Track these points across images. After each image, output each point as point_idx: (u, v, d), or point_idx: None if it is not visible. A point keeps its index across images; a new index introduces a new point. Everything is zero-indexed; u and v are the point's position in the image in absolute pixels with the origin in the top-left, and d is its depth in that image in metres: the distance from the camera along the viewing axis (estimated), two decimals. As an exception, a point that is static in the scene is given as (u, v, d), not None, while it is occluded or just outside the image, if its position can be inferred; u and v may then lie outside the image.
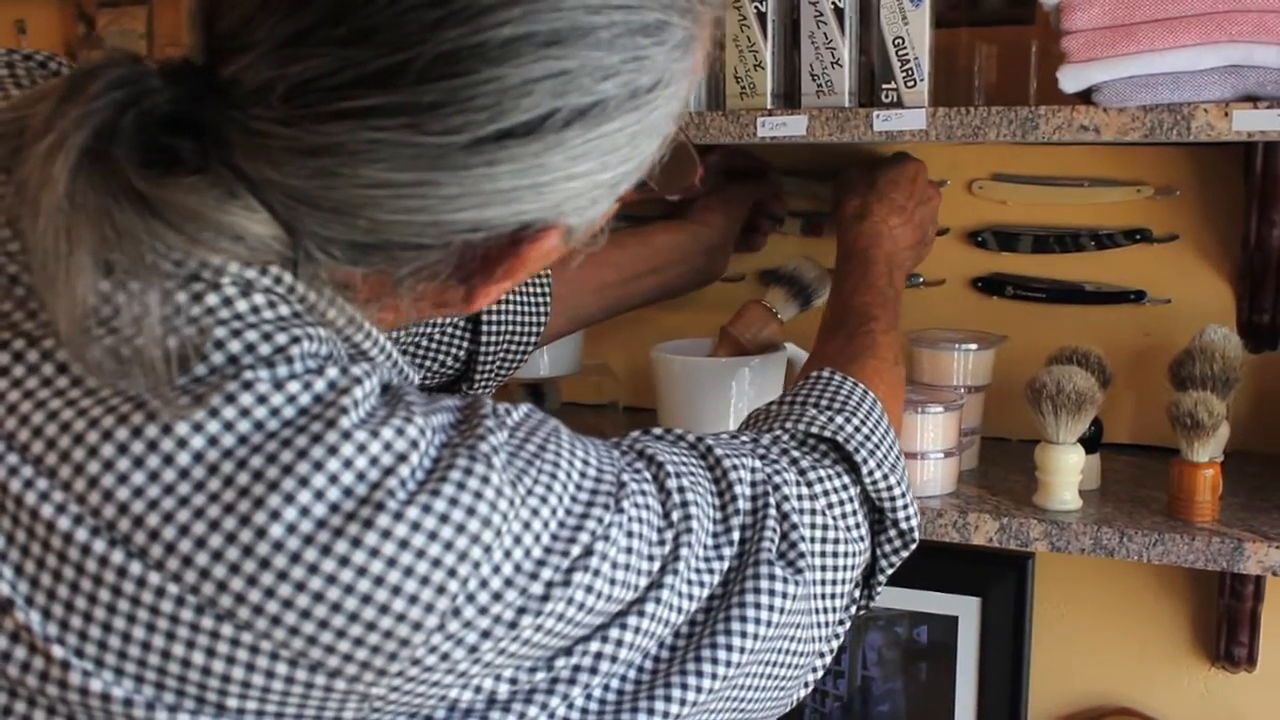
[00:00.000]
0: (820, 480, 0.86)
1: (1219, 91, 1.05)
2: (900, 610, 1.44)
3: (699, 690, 0.74)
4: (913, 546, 0.93)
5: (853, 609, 0.90)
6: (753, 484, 0.80)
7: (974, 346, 1.29)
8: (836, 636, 0.87)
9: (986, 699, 1.41)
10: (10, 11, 1.81)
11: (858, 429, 0.90)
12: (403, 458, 0.62)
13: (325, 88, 0.59)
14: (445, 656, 0.63)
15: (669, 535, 0.73)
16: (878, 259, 1.16)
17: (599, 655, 0.70)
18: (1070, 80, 1.07)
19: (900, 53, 1.16)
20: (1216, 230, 1.32)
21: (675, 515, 0.74)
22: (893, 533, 0.92)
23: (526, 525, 0.65)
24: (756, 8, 1.19)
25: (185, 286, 0.62)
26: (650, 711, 0.72)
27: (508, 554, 0.64)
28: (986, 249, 1.40)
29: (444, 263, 0.66)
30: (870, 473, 0.88)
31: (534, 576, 0.65)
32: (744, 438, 0.88)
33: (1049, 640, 1.42)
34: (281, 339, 0.64)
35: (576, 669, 0.70)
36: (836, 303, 1.12)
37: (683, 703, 0.73)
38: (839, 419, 0.90)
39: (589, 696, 0.71)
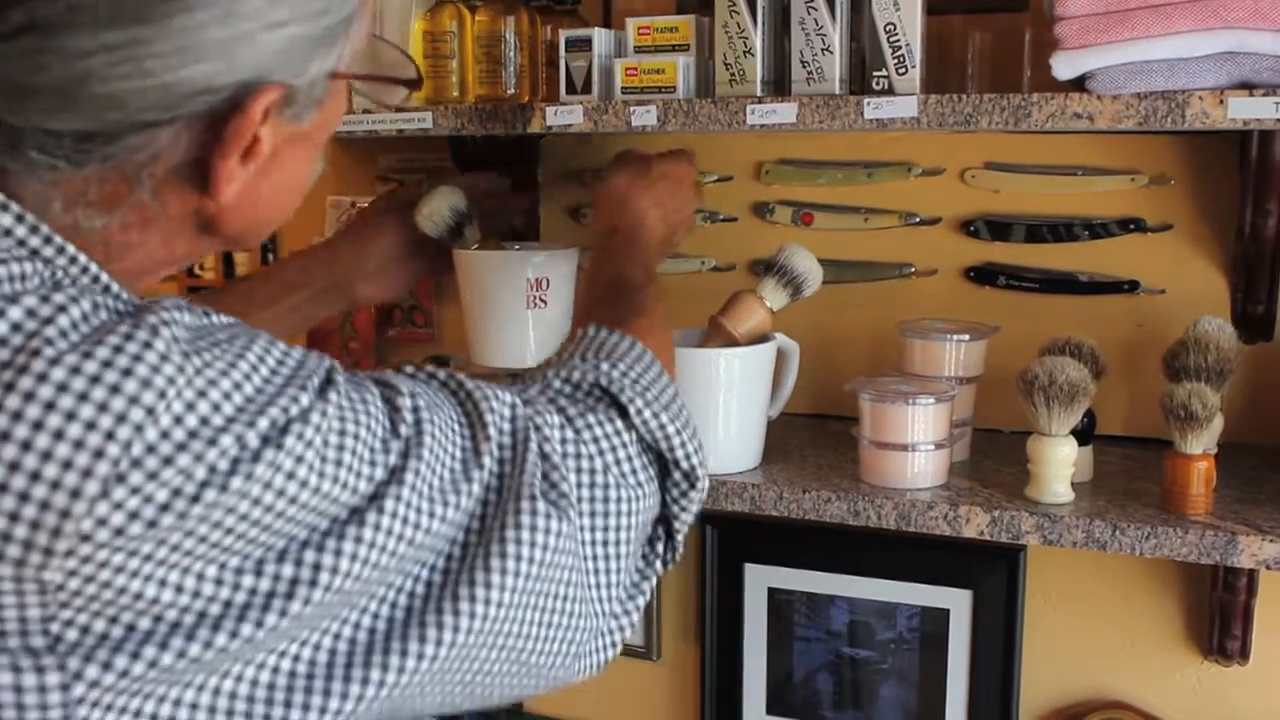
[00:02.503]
0: (589, 426, 0.84)
1: (1214, 79, 1.04)
2: (892, 602, 1.43)
3: (456, 630, 0.71)
4: (701, 488, 0.89)
5: (656, 564, 0.87)
6: (512, 419, 0.79)
7: (966, 337, 1.28)
8: (632, 597, 0.84)
9: (978, 692, 1.40)
10: None
11: (624, 374, 0.88)
12: (49, 321, 0.61)
13: None
14: (119, 531, 0.59)
15: (395, 445, 0.70)
16: (639, 238, 1.12)
17: (317, 566, 0.66)
18: (1063, 67, 1.06)
19: (892, 39, 1.14)
20: (1211, 220, 1.31)
21: (404, 429, 0.71)
22: (677, 475, 0.88)
23: (201, 393, 0.62)
24: (746, -7, 1.18)
25: None
26: (404, 653, 0.70)
27: (178, 419, 0.61)
28: (979, 238, 1.39)
29: (176, 145, 0.67)
30: (639, 412, 0.86)
31: (213, 442, 0.61)
32: (509, 385, 0.85)
33: (1041, 633, 1.41)
34: None
35: (294, 582, 0.66)
36: (598, 274, 1.08)
37: (439, 643, 0.71)
38: (604, 365, 0.88)
39: (337, 636, 0.68)
